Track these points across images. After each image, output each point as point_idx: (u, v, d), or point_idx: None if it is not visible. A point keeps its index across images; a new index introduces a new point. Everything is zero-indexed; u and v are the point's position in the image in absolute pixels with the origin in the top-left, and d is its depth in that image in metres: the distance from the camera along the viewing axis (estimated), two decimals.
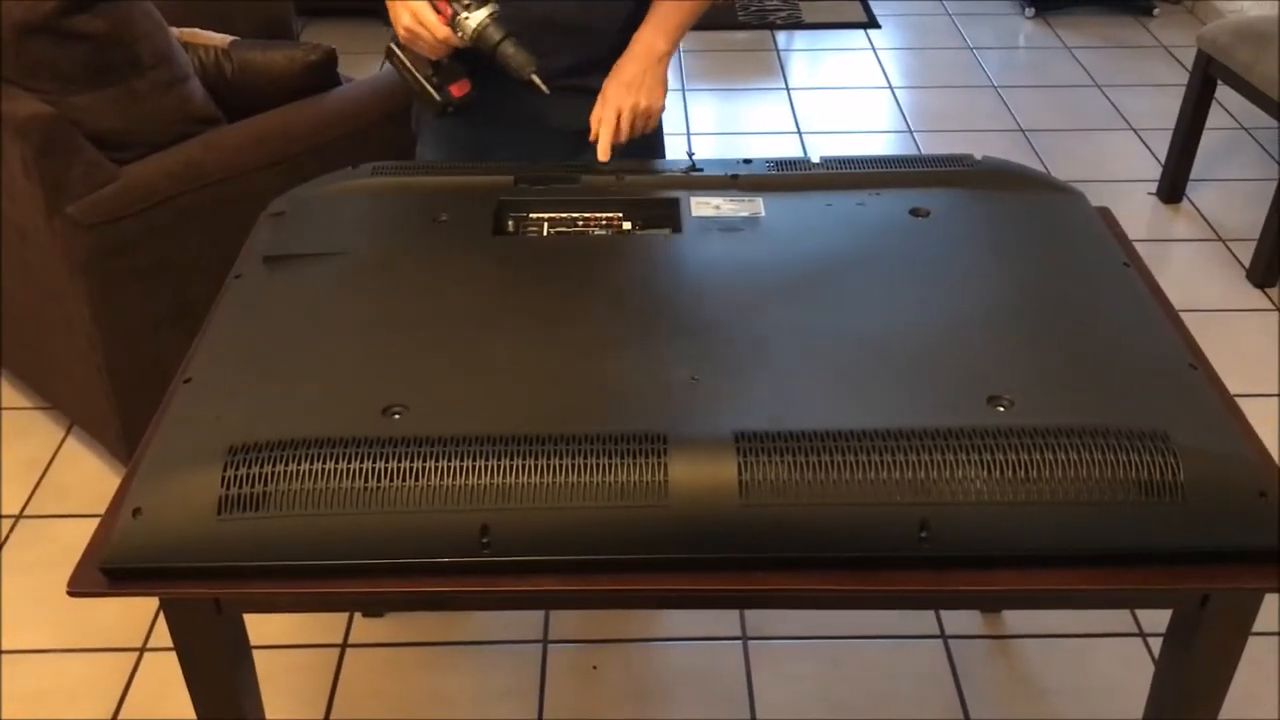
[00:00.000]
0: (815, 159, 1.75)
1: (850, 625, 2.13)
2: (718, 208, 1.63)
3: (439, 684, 2.04)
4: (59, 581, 1.24)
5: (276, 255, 1.53)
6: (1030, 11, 4.58)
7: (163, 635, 2.06)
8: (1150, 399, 1.28)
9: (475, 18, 1.59)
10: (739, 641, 2.11)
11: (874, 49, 4.41)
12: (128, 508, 1.20)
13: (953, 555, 1.19)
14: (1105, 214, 1.70)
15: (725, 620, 2.15)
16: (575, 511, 1.17)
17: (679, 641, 2.13)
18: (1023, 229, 1.59)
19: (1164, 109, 3.77)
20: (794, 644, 2.11)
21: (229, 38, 2.49)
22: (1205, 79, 3.21)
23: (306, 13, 4.15)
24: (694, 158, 1.74)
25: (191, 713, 1.35)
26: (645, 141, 1.81)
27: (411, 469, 1.18)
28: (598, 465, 1.18)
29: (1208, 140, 3.37)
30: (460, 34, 1.61)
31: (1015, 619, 2.15)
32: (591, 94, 1.75)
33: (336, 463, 1.18)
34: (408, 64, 1.70)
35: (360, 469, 1.18)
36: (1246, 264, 3.10)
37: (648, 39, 1.76)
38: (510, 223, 1.63)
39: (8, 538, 2.33)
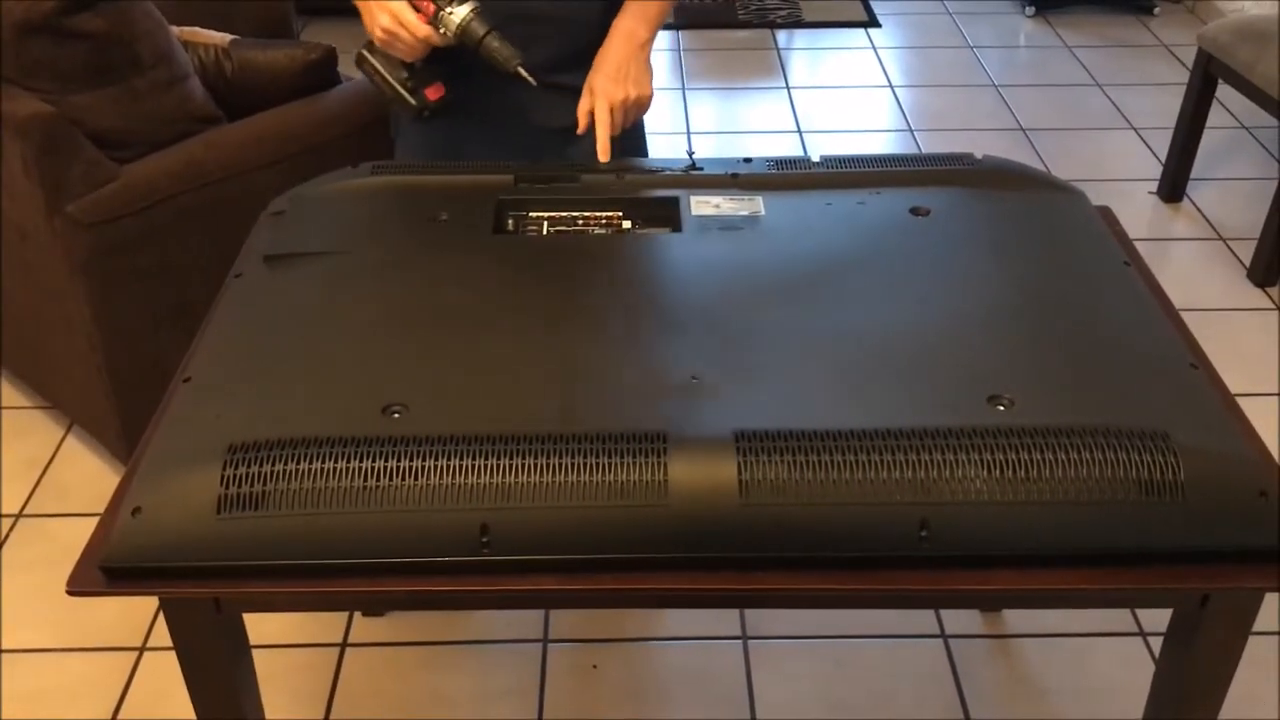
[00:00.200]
0: (815, 158, 1.74)
1: (850, 625, 2.13)
2: (718, 207, 1.62)
3: (439, 683, 2.04)
4: (59, 580, 1.24)
5: (277, 254, 1.53)
6: (1031, 10, 4.58)
7: (162, 634, 2.06)
8: (1150, 398, 1.28)
9: (459, 13, 1.59)
10: (739, 641, 2.11)
11: (874, 48, 4.41)
12: (127, 507, 1.19)
13: (953, 555, 1.19)
14: (1106, 213, 1.69)
15: (725, 620, 2.15)
16: (575, 511, 1.17)
17: (679, 641, 2.13)
18: (1023, 228, 1.59)
19: (1165, 108, 3.76)
20: (794, 643, 2.11)
21: (229, 37, 2.49)
22: (1206, 78, 3.21)
23: (306, 12, 4.14)
24: (694, 156, 1.73)
25: (191, 712, 1.35)
26: (630, 144, 1.80)
27: (411, 468, 1.17)
28: (598, 464, 1.18)
29: (1208, 139, 3.37)
30: (444, 30, 1.61)
31: (1015, 618, 2.15)
32: (569, 90, 1.74)
33: (336, 462, 1.18)
34: (381, 69, 1.69)
35: (360, 468, 1.18)
36: (1247, 263, 3.10)
37: (628, 27, 1.73)
38: (510, 221, 1.63)
39: (7, 537, 2.33)
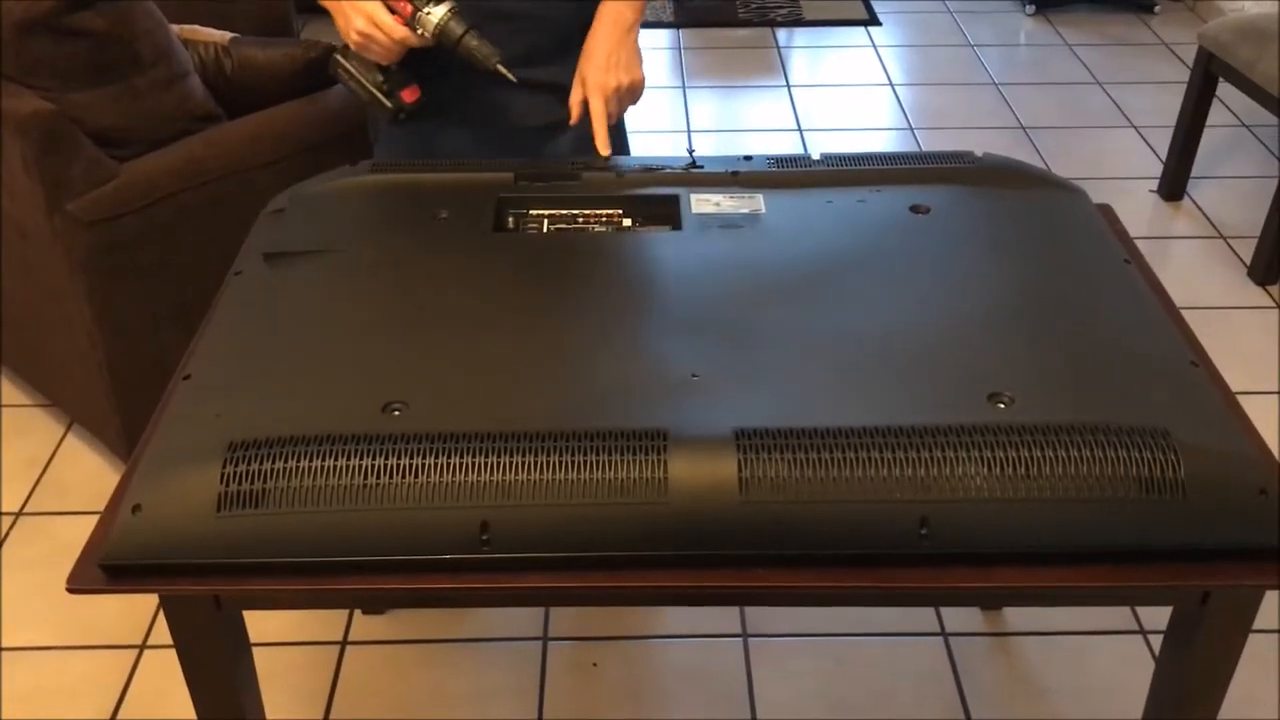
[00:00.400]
0: (816, 156, 1.74)
1: (850, 623, 2.13)
2: (718, 205, 1.62)
3: (439, 681, 2.04)
4: (59, 579, 1.24)
5: (277, 252, 1.53)
6: (1031, 9, 4.58)
7: (163, 632, 2.06)
8: (1151, 396, 1.27)
9: (437, 13, 1.59)
10: (739, 639, 2.11)
11: (875, 46, 4.41)
12: (127, 504, 1.19)
13: (953, 552, 1.19)
14: (1106, 211, 1.69)
15: (725, 617, 2.15)
16: (575, 508, 1.17)
17: (679, 639, 2.13)
18: (1023, 226, 1.59)
19: (1165, 106, 3.76)
20: (794, 641, 2.11)
21: (229, 35, 2.49)
22: (1206, 76, 3.21)
23: (306, 10, 4.15)
24: (694, 154, 1.73)
25: (191, 710, 1.35)
26: (612, 141, 1.80)
27: (411, 465, 1.17)
28: (598, 462, 1.18)
29: (1209, 138, 3.37)
30: (421, 31, 1.60)
31: (1015, 616, 2.15)
32: (548, 87, 1.73)
33: (336, 459, 1.18)
34: (356, 73, 1.68)
35: (360, 465, 1.18)
36: (1247, 261, 3.10)
37: (615, 10, 1.71)
38: (510, 219, 1.63)
39: (8, 535, 2.33)
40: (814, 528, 1.18)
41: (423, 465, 1.17)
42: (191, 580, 1.19)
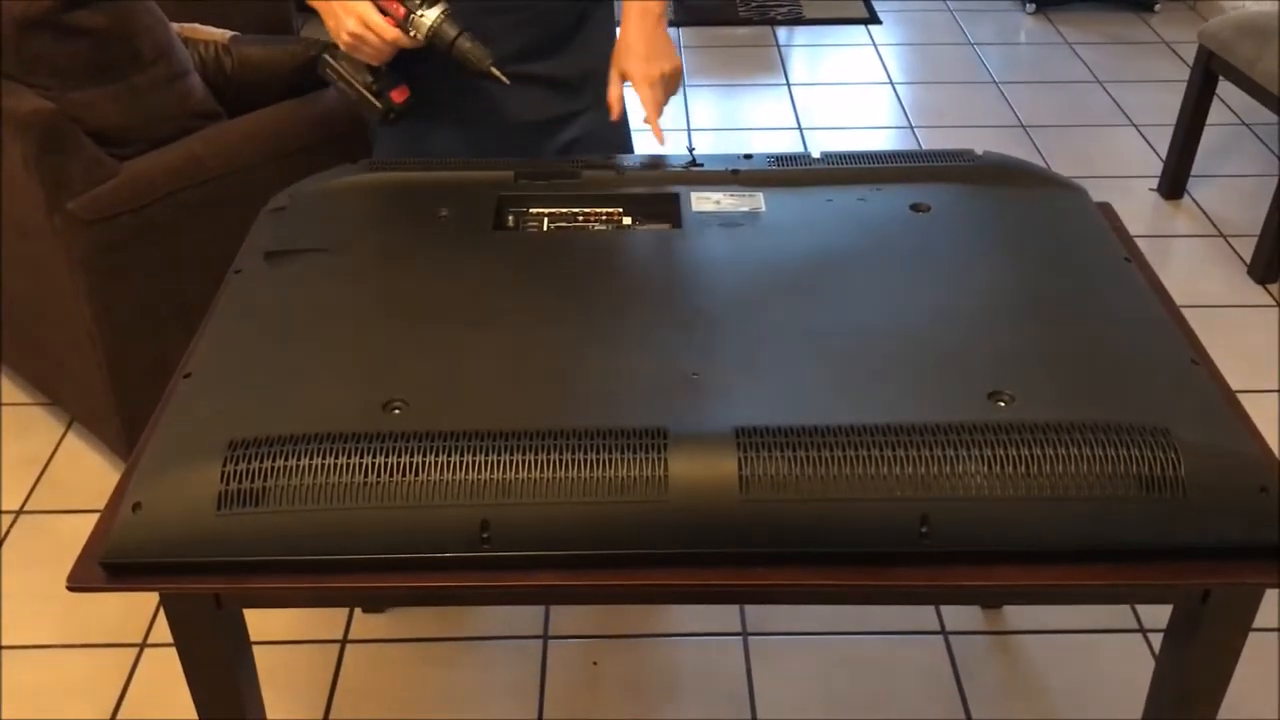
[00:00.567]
0: (816, 154, 1.74)
1: (851, 621, 2.13)
2: (718, 203, 1.62)
3: (439, 680, 2.04)
4: (59, 577, 1.24)
5: (277, 250, 1.53)
6: (1031, 7, 4.58)
7: (163, 631, 2.06)
8: (1151, 394, 1.27)
9: (430, 15, 1.59)
10: (739, 637, 2.11)
11: (875, 45, 4.41)
12: (127, 503, 1.19)
13: (953, 550, 1.19)
14: (1106, 209, 1.69)
15: (726, 616, 2.15)
16: (575, 506, 1.17)
17: (679, 637, 2.13)
18: (1024, 224, 1.59)
19: (1165, 105, 3.76)
20: (794, 639, 2.11)
21: (229, 33, 2.49)
22: (1206, 74, 3.21)
23: (306, 9, 4.15)
24: (694, 153, 1.74)
25: (192, 709, 1.35)
26: (616, 139, 1.80)
27: (412, 464, 1.17)
28: (598, 460, 1.17)
29: (1209, 136, 3.37)
30: (414, 33, 1.60)
31: (1016, 615, 2.15)
32: (543, 81, 1.73)
33: (337, 458, 1.18)
34: (346, 74, 1.68)
35: (360, 464, 1.18)
36: (1248, 260, 3.10)
37: (641, 4, 1.71)
38: (510, 218, 1.63)
39: (8, 533, 2.33)
40: (814, 526, 1.18)
41: (423, 463, 1.17)
42: (192, 579, 1.19)
